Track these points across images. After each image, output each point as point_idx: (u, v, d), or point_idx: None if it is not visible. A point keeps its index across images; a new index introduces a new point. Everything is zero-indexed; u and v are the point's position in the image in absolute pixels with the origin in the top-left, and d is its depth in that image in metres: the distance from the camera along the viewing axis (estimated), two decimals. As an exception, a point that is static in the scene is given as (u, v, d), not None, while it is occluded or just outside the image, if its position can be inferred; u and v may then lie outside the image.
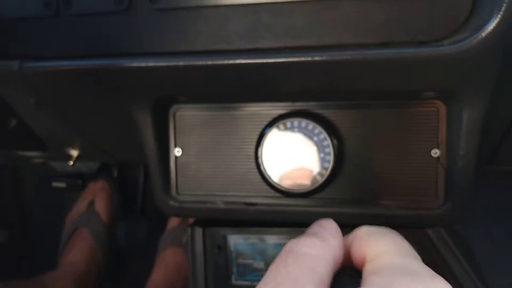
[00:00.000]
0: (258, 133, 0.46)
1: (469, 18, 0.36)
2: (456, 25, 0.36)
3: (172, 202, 0.50)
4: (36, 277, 0.79)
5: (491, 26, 0.34)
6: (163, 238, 0.85)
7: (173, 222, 0.85)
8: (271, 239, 0.57)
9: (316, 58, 0.38)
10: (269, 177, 0.46)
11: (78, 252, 0.86)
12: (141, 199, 0.99)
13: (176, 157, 0.50)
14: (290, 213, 0.47)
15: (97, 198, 0.91)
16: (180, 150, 0.49)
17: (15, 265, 1.01)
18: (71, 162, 0.62)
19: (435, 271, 0.52)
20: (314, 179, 0.45)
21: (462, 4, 0.36)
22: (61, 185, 0.83)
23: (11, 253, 1.01)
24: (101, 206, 0.90)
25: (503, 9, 0.34)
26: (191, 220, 0.60)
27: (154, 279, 0.78)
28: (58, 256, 0.89)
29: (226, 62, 0.40)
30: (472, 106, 0.40)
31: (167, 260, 0.80)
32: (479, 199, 0.82)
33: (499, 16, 0.34)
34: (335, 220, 0.48)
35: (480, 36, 0.35)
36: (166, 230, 0.86)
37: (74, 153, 0.62)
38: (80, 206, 0.91)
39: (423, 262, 0.54)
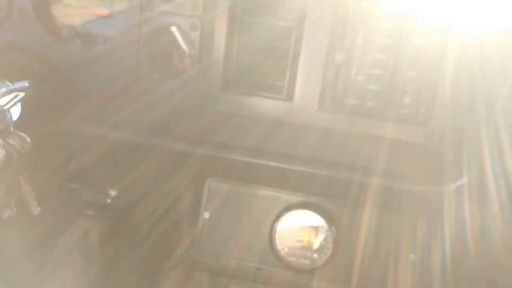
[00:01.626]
0: (274, 214, 0.58)
1: (449, 165, 0.48)
2: (439, 169, 0.48)
3: (194, 255, 0.61)
4: None
5: (460, 181, 0.47)
6: None
7: None
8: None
9: (322, 172, 0.50)
10: (278, 250, 0.57)
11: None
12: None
13: (204, 219, 0.60)
14: (290, 283, 0.58)
15: (92, 228, 0.86)
16: (208, 213, 0.60)
17: None
18: (109, 200, 0.72)
19: None
20: (314, 260, 0.56)
21: (446, 153, 0.48)
22: (91, 213, 0.92)
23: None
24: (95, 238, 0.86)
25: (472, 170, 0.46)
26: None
27: None
28: None
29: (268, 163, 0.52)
30: (446, 225, 0.51)
31: None
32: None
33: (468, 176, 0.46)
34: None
35: (454, 184, 0.47)
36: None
37: (113, 192, 0.72)
38: (74, 233, 0.86)
39: None
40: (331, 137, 0.51)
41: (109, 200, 0.71)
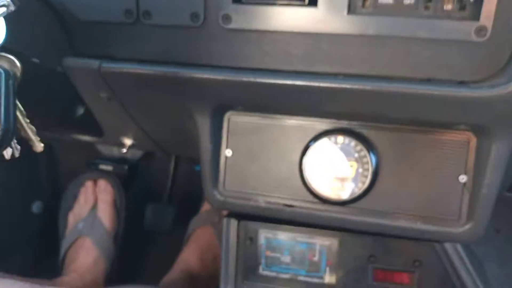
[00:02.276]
0: (303, 143, 0.52)
1: (508, 64, 0.41)
2: (495, 70, 0.41)
3: (218, 196, 0.56)
4: (48, 281, 0.78)
5: (526, 75, 0.39)
6: (196, 218, 0.89)
7: (206, 205, 0.90)
8: (300, 237, 0.63)
9: (365, 87, 0.43)
10: (310, 184, 0.51)
11: (83, 262, 0.86)
12: (169, 188, 1.05)
13: (226, 157, 0.55)
14: (325, 218, 0.53)
15: (100, 202, 0.90)
16: (230, 151, 0.55)
17: (46, 236, 1.09)
18: (124, 150, 0.68)
19: (448, 283, 0.58)
20: (351, 190, 0.50)
21: (502, 51, 0.41)
22: (108, 168, 0.89)
23: (44, 224, 1.08)
24: (104, 212, 0.89)
25: (538, 61, 0.39)
26: (225, 212, 0.66)
27: (186, 254, 0.82)
28: (61, 261, 0.89)
29: (285, 82, 0.45)
30: (501, 141, 0.45)
31: (200, 238, 0.84)
32: (495, 222, 0.86)
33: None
34: (365, 229, 0.54)
35: (515, 83, 0.40)
36: (199, 212, 0.90)
37: (128, 141, 0.68)
38: (82, 209, 0.91)
39: (438, 274, 0.60)
40: (365, 46, 0.44)
41: (124, 150, 0.67)
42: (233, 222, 0.64)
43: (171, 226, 1.03)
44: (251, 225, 0.64)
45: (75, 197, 0.92)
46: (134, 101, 0.57)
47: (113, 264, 0.92)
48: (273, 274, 0.65)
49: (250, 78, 0.46)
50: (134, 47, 0.51)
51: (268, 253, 0.66)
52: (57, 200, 1.09)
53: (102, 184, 0.90)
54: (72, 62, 0.54)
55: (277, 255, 0.65)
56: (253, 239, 0.65)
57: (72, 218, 0.93)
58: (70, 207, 0.93)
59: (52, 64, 0.53)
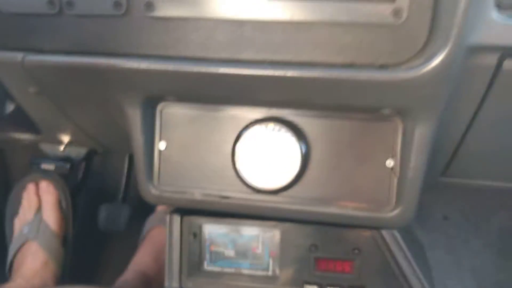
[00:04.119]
0: (236, 133, 0.51)
1: (424, 47, 0.41)
2: (413, 53, 0.42)
3: (153, 191, 0.55)
4: None
5: (441, 56, 0.40)
6: (151, 218, 0.87)
7: (162, 206, 0.88)
8: (243, 230, 0.62)
9: (289, 74, 0.43)
10: (243, 174, 0.51)
11: (30, 266, 0.83)
12: (124, 185, 1.03)
13: (160, 150, 0.54)
14: (260, 208, 0.52)
15: (44, 205, 0.87)
16: (164, 143, 0.54)
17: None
18: (62, 147, 0.66)
19: (387, 270, 0.59)
20: (282, 179, 0.50)
21: (419, 34, 0.41)
22: (50, 167, 0.87)
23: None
24: (49, 215, 0.86)
25: (451, 42, 0.39)
26: (170, 208, 0.65)
27: (141, 255, 0.80)
28: (9, 269, 0.86)
29: (210, 70, 0.44)
30: (424, 124, 0.45)
31: (154, 238, 0.82)
32: (443, 209, 0.88)
33: (448, 48, 0.40)
34: (300, 217, 0.54)
35: (432, 64, 0.40)
36: (155, 212, 0.88)
37: (65, 138, 0.66)
38: (27, 214, 0.88)
39: (377, 261, 0.60)
40: (288, 32, 0.43)
41: (61, 148, 0.65)
42: (176, 218, 0.63)
43: (126, 226, 1.00)
44: (194, 220, 0.63)
45: (19, 201, 0.88)
46: (63, 95, 0.55)
47: (64, 267, 0.89)
48: (218, 269, 0.64)
49: (175, 66, 0.45)
50: (59, 39, 0.49)
51: (213, 248, 0.65)
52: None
53: (44, 185, 0.87)
54: (-6, 55, 0.51)
55: (221, 249, 0.65)
56: (196, 234, 0.64)
57: (17, 223, 0.89)
58: (15, 212, 0.89)
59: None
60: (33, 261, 0.84)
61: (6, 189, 1.06)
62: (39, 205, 0.87)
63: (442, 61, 0.40)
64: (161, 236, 0.82)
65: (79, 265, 0.96)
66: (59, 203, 0.88)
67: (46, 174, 0.87)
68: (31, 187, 0.87)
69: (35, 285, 0.80)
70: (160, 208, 0.88)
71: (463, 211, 0.89)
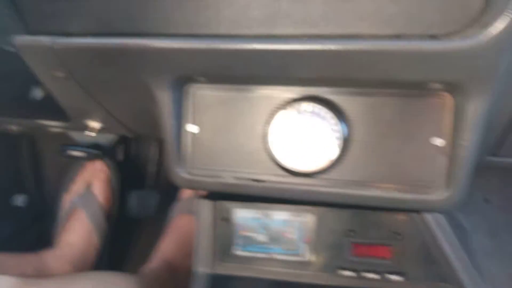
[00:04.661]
0: (269, 114, 0.49)
1: (480, 15, 0.37)
2: (467, 21, 0.38)
3: (185, 175, 0.53)
4: (36, 254, 0.80)
5: (501, 24, 0.36)
6: (176, 206, 0.87)
7: (186, 192, 0.88)
8: (274, 214, 0.60)
9: (331, 47, 0.40)
10: (276, 156, 0.48)
11: (75, 233, 0.87)
12: (154, 172, 1.03)
13: (192, 133, 0.52)
14: (295, 191, 0.50)
15: (94, 180, 0.92)
16: (196, 127, 0.52)
17: (32, 227, 1.07)
18: (92, 134, 0.65)
19: (428, 254, 0.55)
20: (320, 161, 0.48)
21: (474, 1, 0.37)
22: (80, 154, 0.87)
23: (29, 216, 1.06)
24: (98, 189, 0.91)
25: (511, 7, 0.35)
26: (200, 193, 0.63)
27: (166, 243, 0.80)
28: (55, 234, 0.91)
29: (245, 47, 0.42)
30: (478, 100, 0.42)
31: (179, 226, 0.81)
32: (484, 191, 0.84)
33: (509, 14, 0.36)
34: (339, 201, 0.51)
35: (489, 33, 0.37)
36: (179, 199, 0.88)
37: (95, 125, 0.65)
38: (78, 186, 0.93)
39: (418, 246, 0.57)
40: (328, 3, 0.40)
41: (93, 134, 0.64)
42: (206, 202, 0.62)
43: (155, 212, 1.00)
44: (225, 204, 0.62)
45: (71, 180, 0.92)
46: (92, 79, 0.54)
47: (104, 242, 0.91)
48: (249, 254, 0.63)
49: (208, 45, 0.43)
50: (87, 21, 0.48)
51: (243, 233, 0.64)
52: (41, 192, 1.07)
53: (98, 164, 0.91)
54: (23, 40, 0.50)
55: (253, 234, 0.63)
56: (227, 219, 0.62)
57: (67, 197, 0.93)
58: (66, 189, 0.94)
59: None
60: (79, 228, 0.87)
61: (37, 176, 1.08)
62: (91, 180, 0.91)
63: (501, 30, 0.36)
64: (186, 224, 0.82)
65: (109, 249, 0.97)
66: (110, 181, 0.92)
67: (99, 156, 0.89)
68: (85, 165, 0.91)
69: (77, 252, 0.83)
70: (184, 196, 0.87)
71: (505, 193, 0.84)
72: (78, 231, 0.88)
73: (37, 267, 0.78)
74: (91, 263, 0.87)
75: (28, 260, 0.78)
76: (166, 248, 0.78)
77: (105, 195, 0.92)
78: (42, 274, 0.77)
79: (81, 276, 0.62)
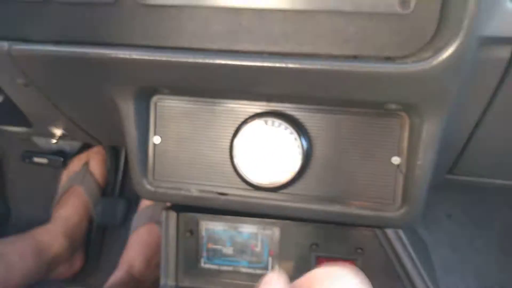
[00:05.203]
0: (234, 128, 0.49)
1: (433, 38, 0.39)
2: (421, 44, 0.39)
3: (148, 187, 0.53)
4: (30, 232, 0.81)
5: (451, 48, 0.37)
6: (137, 216, 0.86)
7: (147, 201, 0.87)
8: (241, 227, 0.60)
9: (289, 65, 0.40)
10: (241, 170, 0.49)
11: (70, 207, 0.89)
12: (121, 180, 1.01)
13: (155, 144, 0.52)
14: (259, 205, 0.50)
15: (91, 160, 0.95)
16: (159, 138, 0.52)
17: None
18: (54, 140, 0.64)
19: (391, 269, 0.56)
20: (283, 176, 0.48)
21: (428, 25, 0.38)
22: (43, 161, 0.85)
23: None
24: (95, 167, 0.94)
25: (462, 34, 0.37)
26: (164, 205, 0.63)
27: (130, 255, 0.79)
28: (51, 211, 0.92)
29: (205, 61, 0.42)
30: (432, 120, 0.43)
31: (143, 236, 0.81)
32: (447, 207, 0.86)
33: (458, 40, 0.37)
34: (301, 215, 0.52)
35: (441, 57, 0.38)
36: (140, 209, 0.87)
37: (58, 131, 0.64)
38: (76, 165, 0.95)
39: (380, 261, 0.57)
40: (289, 22, 0.41)
41: (54, 141, 0.63)
42: (172, 214, 0.61)
43: (123, 220, 0.99)
44: (191, 216, 0.61)
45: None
46: (52, 87, 0.53)
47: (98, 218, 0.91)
48: (215, 267, 0.63)
49: (169, 57, 0.43)
50: (47, 27, 0.47)
51: (210, 245, 0.63)
52: (3, 198, 1.04)
53: (94, 147, 0.93)
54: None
55: (219, 247, 0.63)
56: (193, 231, 0.62)
57: (65, 174, 0.94)
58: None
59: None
60: (74, 202, 0.89)
61: (2, 183, 1.04)
62: (88, 160, 0.93)
63: (452, 54, 0.37)
64: (149, 234, 0.81)
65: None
66: (105, 162, 0.95)
67: (61, 163, 0.93)
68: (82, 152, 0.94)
69: (71, 225, 0.85)
70: (145, 204, 0.86)
71: (466, 209, 0.87)
72: (73, 205, 0.89)
73: (33, 245, 0.79)
74: (84, 236, 0.90)
75: (24, 241, 0.79)
76: (129, 259, 0.77)
77: (101, 172, 0.95)
78: (38, 251, 0.78)
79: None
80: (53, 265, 0.80)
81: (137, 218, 0.85)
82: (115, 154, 0.96)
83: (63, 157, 0.88)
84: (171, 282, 0.65)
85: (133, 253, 0.78)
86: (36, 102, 0.56)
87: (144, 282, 0.75)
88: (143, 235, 0.81)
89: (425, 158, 0.44)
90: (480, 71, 0.41)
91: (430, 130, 0.43)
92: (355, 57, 0.40)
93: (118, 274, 0.74)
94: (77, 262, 0.91)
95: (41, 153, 0.85)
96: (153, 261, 0.78)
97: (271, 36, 0.42)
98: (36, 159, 0.85)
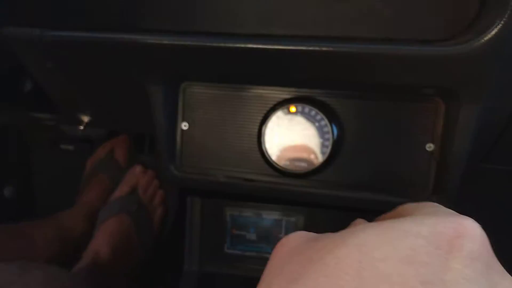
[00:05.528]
0: (262, 114, 0.48)
1: (474, 21, 0.37)
2: (461, 27, 0.38)
3: (176, 172, 0.53)
4: (53, 216, 0.83)
5: (494, 30, 0.36)
6: (104, 209, 0.84)
7: (119, 192, 0.86)
8: (265, 214, 0.60)
9: (323, 48, 0.39)
10: (269, 156, 0.48)
11: (94, 193, 0.90)
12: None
13: (182, 130, 0.52)
14: (286, 191, 0.50)
15: (117, 147, 0.96)
16: (187, 124, 0.52)
17: (20, 220, 1.05)
18: (81, 127, 0.64)
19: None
20: (311, 162, 0.47)
21: (469, 7, 0.37)
22: (69, 147, 0.86)
23: (17, 208, 1.05)
24: (120, 155, 0.95)
25: (507, 14, 0.35)
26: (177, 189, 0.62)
27: (97, 244, 0.77)
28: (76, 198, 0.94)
29: (235, 45, 0.41)
30: (469, 105, 0.41)
31: (113, 228, 0.79)
32: (477, 199, 0.84)
33: (503, 21, 0.35)
34: (330, 202, 0.51)
35: (483, 40, 0.36)
36: (109, 201, 0.85)
37: (85, 118, 0.64)
38: (101, 152, 0.96)
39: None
40: (323, 5, 0.40)
41: (81, 128, 0.63)
42: (197, 200, 0.61)
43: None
44: (216, 202, 0.61)
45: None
46: (82, 73, 0.53)
47: None
48: (238, 252, 0.63)
49: (199, 41, 0.43)
50: (77, 14, 0.47)
51: (234, 231, 0.63)
52: (29, 184, 1.06)
53: (120, 136, 0.94)
54: (11, 31, 0.49)
55: (243, 232, 0.63)
56: (218, 218, 0.62)
57: (89, 162, 0.95)
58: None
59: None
60: (98, 188, 0.90)
61: (28, 171, 1.07)
62: (113, 148, 0.94)
63: (496, 36, 0.36)
64: (120, 225, 0.80)
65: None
66: (131, 150, 0.95)
67: (88, 150, 0.94)
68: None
69: (94, 210, 0.86)
70: (115, 196, 0.85)
71: (497, 202, 0.84)
72: (97, 191, 0.90)
73: (56, 228, 0.80)
74: None
75: (48, 225, 0.80)
76: (97, 249, 0.76)
77: (125, 158, 0.95)
78: (62, 234, 0.80)
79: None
80: (76, 249, 0.81)
81: (103, 212, 0.83)
82: (140, 142, 0.96)
83: (90, 144, 0.89)
84: (195, 267, 0.65)
85: (100, 241, 0.77)
86: (65, 88, 0.56)
87: (110, 270, 0.75)
88: (111, 225, 0.80)
89: (460, 146, 0.43)
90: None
91: (466, 116, 0.42)
92: (391, 40, 0.39)
93: (83, 262, 0.74)
94: None
95: (68, 140, 0.86)
96: (119, 249, 0.77)
97: (303, 19, 0.41)
98: (63, 146, 0.86)
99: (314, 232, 0.23)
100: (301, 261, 0.19)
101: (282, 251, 0.21)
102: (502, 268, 0.18)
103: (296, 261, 0.19)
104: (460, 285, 0.15)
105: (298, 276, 0.17)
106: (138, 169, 0.85)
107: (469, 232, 0.17)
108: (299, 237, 0.21)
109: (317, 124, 0.46)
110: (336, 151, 0.47)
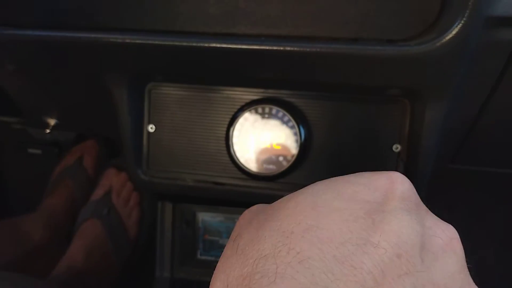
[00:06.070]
0: (230, 116, 0.48)
1: (437, 20, 0.37)
2: (424, 26, 0.38)
3: (143, 176, 0.51)
4: (11, 219, 0.79)
5: (456, 29, 0.36)
6: (83, 210, 0.82)
7: (94, 195, 0.84)
8: (238, 218, 0.59)
9: (287, 48, 0.39)
10: (238, 159, 0.47)
11: (57, 199, 0.87)
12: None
13: (149, 133, 0.51)
14: (256, 195, 0.49)
15: (85, 154, 0.93)
16: (153, 126, 0.50)
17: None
18: (48, 130, 0.62)
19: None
20: (280, 164, 0.46)
21: (431, 6, 0.37)
22: (37, 151, 0.84)
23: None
24: (88, 162, 0.92)
25: (467, 13, 0.35)
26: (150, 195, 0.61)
27: (72, 250, 0.76)
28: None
29: (200, 44, 0.40)
30: (435, 106, 0.41)
31: (86, 232, 0.78)
32: (448, 199, 0.85)
33: (463, 20, 0.35)
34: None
35: (445, 39, 0.36)
36: (87, 204, 0.84)
37: (51, 121, 0.62)
38: (69, 160, 0.93)
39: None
40: (288, 4, 0.39)
41: (48, 131, 0.61)
42: (168, 205, 0.60)
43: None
44: (187, 207, 0.60)
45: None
46: (43, 73, 0.51)
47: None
48: (211, 258, 0.61)
49: (162, 40, 0.41)
50: (36, 11, 0.45)
51: (206, 237, 0.62)
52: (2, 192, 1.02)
53: (89, 141, 0.92)
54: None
55: (216, 238, 0.61)
56: (190, 223, 0.61)
57: (58, 169, 0.92)
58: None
59: None
60: (63, 194, 0.87)
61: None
62: (82, 154, 0.92)
63: (457, 35, 0.36)
64: (93, 230, 0.79)
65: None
66: (100, 158, 0.93)
67: (56, 154, 0.91)
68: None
69: (56, 217, 0.84)
70: (92, 199, 0.84)
71: (467, 201, 0.85)
72: (61, 197, 0.87)
73: (13, 233, 0.77)
74: (68, 228, 0.86)
75: (3, 227, 0.77)
76: (73, 255, 0.75)
77: (93, 167, 0.93)
78: (19, 240, 0.76)
79: None
80: (33, 256, 0.78)
81: (81, 214, 0.81)
82: (112, 144, 0.94)
83: (58, 148, 0.86)
84: (166, 273, 0.64)
85: (76, 248, 0.76)
86: (27, 90, 0.54)
87: (84, 276, 0.73)
88: (85, 230, 0.78)
89: (427, 146, 0.43)
90: (485, 55, 0.40)
91: (432, 117, 0.42)
92: (355, 40, 0.39)
93: (59, 269, 0.72)
94: (60, 257, 0.88)
95: (36, 144, 0.84)
96: (93, 255, 0.76)
97: (269, 18, 0.40)
98: (31, 150, 0.84)
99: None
100: (266, 211, 0.22)
101: (246, 214, 0.24)
102: (427, 208, 0.22)
103: (262, 214, 0.22)
104: (397, 213, 0.19)
105: (264, 222, 0.21)
106: (111, 171, 0.83)
107: (399, 180, 0.22)
108: (261, 204, 0.25)
109: (285, 126, 0.46)
110: (304, 153, 0.46)
